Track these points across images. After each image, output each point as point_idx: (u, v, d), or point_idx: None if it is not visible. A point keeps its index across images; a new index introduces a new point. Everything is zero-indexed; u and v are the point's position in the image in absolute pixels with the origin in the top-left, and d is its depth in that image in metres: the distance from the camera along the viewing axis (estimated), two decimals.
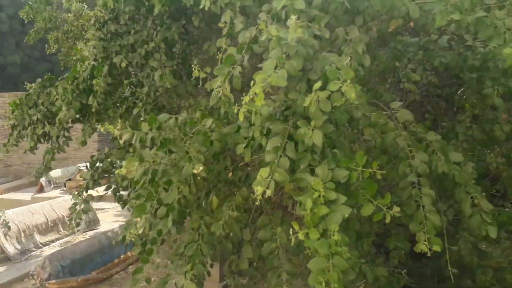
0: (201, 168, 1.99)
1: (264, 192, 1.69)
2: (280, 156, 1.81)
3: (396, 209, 1.81)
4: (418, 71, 3.74)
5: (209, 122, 2.27)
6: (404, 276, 3.16)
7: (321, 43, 2.06)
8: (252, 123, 2.21)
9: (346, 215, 1.65)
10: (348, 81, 1.65)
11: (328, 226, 1.63)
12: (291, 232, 1.64)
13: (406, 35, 3.40)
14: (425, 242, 1.97)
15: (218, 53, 2.29)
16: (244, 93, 2.76)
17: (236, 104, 1.74)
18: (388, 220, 1.81)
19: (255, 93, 1.62)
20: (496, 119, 3.11)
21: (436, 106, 4.35)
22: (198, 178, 2.18)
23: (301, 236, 1.62)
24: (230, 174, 2.46)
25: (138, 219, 1.98)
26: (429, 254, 1.92)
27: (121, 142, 2.06)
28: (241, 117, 1.75)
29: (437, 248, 1.94)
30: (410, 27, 3.92)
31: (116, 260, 5.81)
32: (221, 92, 1.99)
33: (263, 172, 1.76)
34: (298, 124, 1.82)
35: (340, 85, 1.65)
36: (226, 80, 1.99)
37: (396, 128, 2.25)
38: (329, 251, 1.60)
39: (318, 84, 1.66)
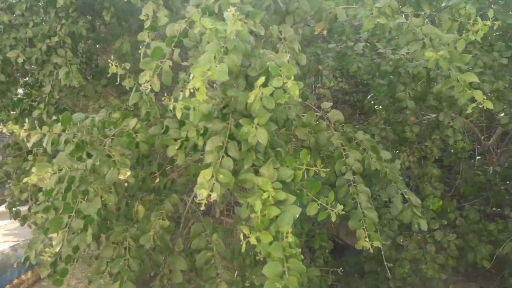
0: (128, 173, 1.76)
1: (209, 196, 1.53)
2: (223, 157, 1.68)
3: (340, 207, 1.79)
4: (330, 77, 3.90)
5: (132, 122, 2.03)
6: (331, 275, 3.22)
7: (256, 40, 1.98)
8: (183, 122, 2.05)
9: (297, 215, 1.58)
10: (292, 77, 1.59)
11: (279, 228, 1.53)
12: (241, 237, 1.50)
13: (325, 41, 3.51)
14: (366, 239, 1.97)
15: (141, 47, 2.09)
16: (166, 92, 2.58)
17: (172, 100, 1.56)
18: (333, 218, 1.78)
19: (196, 88, 1.47)
20: (406, 121, 3.36)
21: (342, 111, 4.59)
22: (123, 185, 1.93)
23: (253, 240, 1.50)
24: (157, 180, 2.24)
25: (54, 234, 1.67)
26: (371, 251, 1.94)
27: (29, 145, 1.73)
28: (178, 114, 1.57)
29: (377, 244, 1.96)
30: (322, 35, 4.08)
31: (8, 286, 5.03)
32: (149, 88, 1.79)
33: (205, 174, 1.61)
34: (240, 122, 1.70)
35: (284, 81, 1.58)
36: (155, 75, 1.79)
37: (329, 128, 2.26)
38: (283, 254, 1.50)
39: (261, 80, 1.57)
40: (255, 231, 1.52)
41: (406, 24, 2.28)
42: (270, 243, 1.50)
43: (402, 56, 3.13)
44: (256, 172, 1.73)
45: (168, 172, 2.54)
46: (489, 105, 2.00)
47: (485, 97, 2.03)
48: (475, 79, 2.04)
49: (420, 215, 2.13)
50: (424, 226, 2.10)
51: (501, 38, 3.42)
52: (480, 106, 2.00)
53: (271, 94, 1.60)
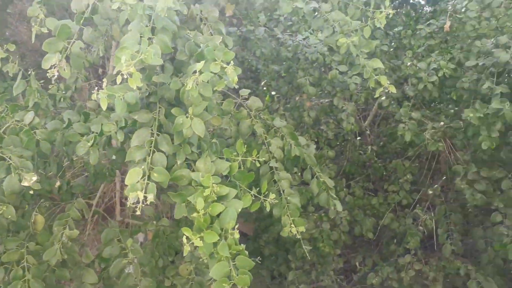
0: (34, 178, 1.43)
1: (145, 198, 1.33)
2: (153, 152, 1.48)
3: (272, 195, 1.75)
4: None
5: (29, 116, 1.66)
6: None
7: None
8: (87, 114, 1.76)
9: (240, 209, 1.48)
10: (232, 62, 1.47)
11: (224, 225, 1.42)
12: (184, 240, 1.35)
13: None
14: (291, 225, 1.98)
15: (34, 24, 1.71)
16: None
17: (96, 89, 1.31)
18: (268, 208, 1.74)
19: (129, 73, 1.25)
20: (302, 107, 3.49)
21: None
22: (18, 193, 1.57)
23: (197, 242, 1.36)
24: (58, 183, 1.89)
25: None
26: (299, 236, 1.95)
27: None
28: (104, 105, 1.32)
29: (302, 228, 1.99)
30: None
31: None
32: (56, 74, 1.47)
33: (135, 173, 1.40)
34: (172, 112, 1.52)
35: (223, 66, 1.45)
36: (63, 57, 1.48)
37: (250, 116, 2.20)
38: (229, 252, 1.40)
39: (200, 65, 1.41)
40: (197, 231, 1.39)
41: (317, 9, 2.32)
42: (214, 243, 1.38)
43: (300, 42, 3.22)
44: (189, 167, 1.58)
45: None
46: (392, 89, 2.17)
47: (388, 82, 2.20)
48: (380, 65, 2.19)
49: (335, 196, 2.22)
50: (339, 207, 2.20)
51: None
52: (386, 90, 2.16)
53: (208, 81, 1.46)
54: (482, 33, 3.00)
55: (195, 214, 1.40)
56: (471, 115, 2.75)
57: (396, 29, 3.60)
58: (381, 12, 2.27)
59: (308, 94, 3.18)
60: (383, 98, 3.52)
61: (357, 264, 4.13)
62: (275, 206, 2.07)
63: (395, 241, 3.97)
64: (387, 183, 4.04)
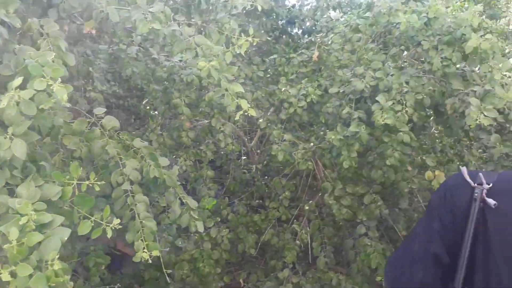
0: None
1: None
2: None
3: (116, 221, 1.68)
4: (102, 81, 3.68)
5: None
6: None
7: (9, 33, 1.65)
8: None
9: (66, 238, 1.39)
10: (59, 79, 1.39)
11: (43, 256, 1.31)
12: None
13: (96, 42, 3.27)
14: (144, 250, 1.92)
15: None
16: None
17: None
18: (109, 234, 1.66)
19: None
20: (182, 127, 3.47)
21: (117, 116, 4.42)
22: None
23: (5, 277, 1.23)
24: None
25: None
26: (150, 261, 1.90)
27: None
28: None
29: (156, 253, 1.94)
30: (91, 35, 3.81)
31: None
32: None
33: None
34: None
35: (49, 83, 1.37)
36: None
37: (103, 136, 2.10)
38: (48, 285, 1.29)
39: (18, 81, 1.31)
40: (8, 264, 1.26)
41: (179, 32, 2.34)
42: (30, 276, 1.27)
43: (176, 63, 3.22)
44: (13, 193, 1.44)
45: None
46: (252, 112, 2.26)
47: (249, 105, 2.28)
48: (240, 89, 2.27)
49: (197, 217, 2.22)
50: (200, 227, 2.20)
51: (258, 53, 3.95)
52: (246, 113, 2.24)
53: (31, 98, 1.36)
54: (344, 63, 3.29)
55: (6, 246, 1.27)
56: (333, 137, 2.98)
57: (272, 56, 3.80)
58: (245, 39, 2.36)
59: (185, 115, 3.17)
60: (261, 120, 3.66)
61: (241, 281, 4.17)
62: (129, 231, 2.00)
63: (276, 256, 4.09)
64: (269, 200, 4.17)
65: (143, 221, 1.99)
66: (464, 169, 1.21)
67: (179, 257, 3.51)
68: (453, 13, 2.73)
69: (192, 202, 2.22)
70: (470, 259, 1.13)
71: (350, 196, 3.37)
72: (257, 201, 4.56)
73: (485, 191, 1.14)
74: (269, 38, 4.12)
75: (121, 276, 4.13)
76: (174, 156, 3.69)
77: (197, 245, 3.54)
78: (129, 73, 3.07)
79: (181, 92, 3.18)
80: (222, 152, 4.16)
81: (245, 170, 4.41)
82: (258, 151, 4.93)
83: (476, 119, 2.15)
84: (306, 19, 4.35)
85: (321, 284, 3.77)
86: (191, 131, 3.42)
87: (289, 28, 4.53)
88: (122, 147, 2.21)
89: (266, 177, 4.54)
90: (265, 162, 4.68)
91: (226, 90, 2.21)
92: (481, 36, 2.39)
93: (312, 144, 3.47)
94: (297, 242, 3.79)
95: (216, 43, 2.46)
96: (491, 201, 1.11)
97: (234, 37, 2.44)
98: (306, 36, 4.44)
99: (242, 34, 2.47)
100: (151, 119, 3.59)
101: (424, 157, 2.72)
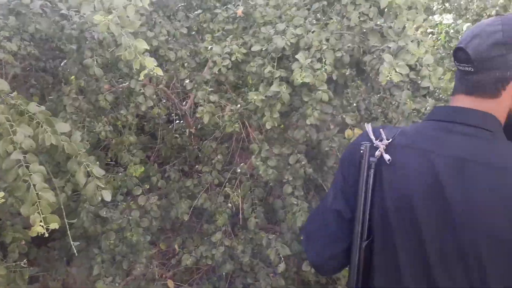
0: None
1: None
2: None
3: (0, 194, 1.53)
4: (14, 40, 3.33)
5: None
6: (28, 267, 2.87)
7: None
8: None
9: None
10: None
11: None
12: None
13: None
14: (41, 223, 1.78)
15: None
16: None
17: None
18: None
19: None
20: (99, 89, 3.24)
21: (41, 80, 4.08)
22: None
23: None
24: None
25: None
26: (46, 235, 1.77)
27: None
28: None
29: (54, 226, 1.81)
30: None
31: None
32: None
33: None
34: None
35: None
36: None
37: None
38: None
39: None
40: None
41: None
42: None
43: (85, 16, 2.93)
44: None
45: None
46: (158, 71, 2.11)
47: (156, 64, 2.13)
48: (145, 45, 2.11)
49: (104, 185, 2.09)
50: (107, 197, 2.09)
51: (183, 8, 3.72)
52: (151, 72, 2.09)
53: None
54: (268, 20, 3.16)
55: None
56: (255, 97, 2.90)
57: (196, 12, 3.58)
58: None
59: (97, 76, 2.94)
60: (187, 81, 3.50)
61: (176, 247, 4.13)
62: (24, 204, 1.84)
63: (210, 220, 4.07)
64: (202, 164, 4.09)
65: (40, 193, 1.84)
66: (368, 126, 1.22)
67: (105, 227, 3.38)
68: None
69: (97, 171, 2.08)
70: (369, 213, 1.16)
71: (276, 157, 3.36)
72: (191, 165, 4.47)
73: (383, 146, 1.15)
74: None
75: (49, 249, 3.96)
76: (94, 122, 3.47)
77: (124, 215, 3.41)
78: (31, 31, 2.78)
79: (94, 51, 2.93)
80: (150, 117, 3.98)
81: (177, 135, 4.27)
82: (195, 114, 4.79)
83: (388, 76, 2.15)
84: None
85: (253, 244, 3.81)
86: (110, 94, 3.21)
87: None
88: (16, 113, 2.00)
89: (201, 141, 4.44)
90: (199, 125, 4.55)
91: (129, 47, 2.03)
92: None
93: (239, 105, 3.38)
94: (229, 205, 3.77)
95: None
96: (386, 156, 1.13)
97: None
98: None
99: None
100: (65, 81, 3.32)
101: (344, 116, 2.72)
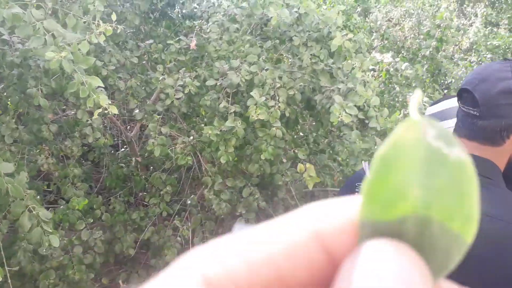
0: None
1: None
2: None
3: None
4: None
5: None
6: None
7: None
8: None
9: None
10: None
11: None
12: None
13: None
14: None
15: None
16: None
17: None
18: None
19: None
20: (42, 119, 3.06)
21: None
22: None
23: None
24: None
25: None
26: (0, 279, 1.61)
27: None
28: None
29: None
30: None
31: None
32: None
33: None
34: None
35: None
36: None
37: None
38: None
39: None
40: None
41: (25, 14, 2.01)
42: None
43: (33, 49, 2.79)
44: None
45: None
46: (114, 110, 2.05)
47: (110, 102, 2.07)
48: (99, 83, 2.04)
49: (51, 230, 1.96)
50: (55, 242, 1.95)
51: (133, 37, 3.66)
52: (105, 111, 2.02)
53: None
54: (222, 54, 3.20)
55: None
56: (210, 132, 2.90)
57: (148, 41, 3.54)
58: (105, 27, 2.12)
59: (42, 106, 2.78)
60: (137, 111, 3.42)
61: (120, 282, 3.93)
62: None
63: (158, 253, 3.93)
64: (149, 195, 3.97)
65: None
66: (365, 164, 1.34)
67: (44, 265, 3.14)
68: (321, 10, 2.82)
69: (44, 213, 1.95)
70: None
71: (229, 190, 3.36)
72: (137, 197, 4.32)
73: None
74: (150, 20, 3.83)
75: None
76: (38, 151, 3.26)
77: (66, 250, 3.20)
78: None
79: (38, 80, 2.78)
80: (96, 146, 3.81)
81: (122, 164, 4.12)
82: (141, 142, 4.66)
83: (338, 116, 2.25)
84: (186, 2, 4.14)
85: None
86: (53, 124, 3.04)
87: (169, 11, 4.27)
88: None
89: (148, 170, 4.31)
90: (146, 154, 4.43)
91: (82, 84, 1.96)
92: (345, 35, 2.49)
93: (192, 137, 3.35)
94: (178, 238, 3.67)
95: (72, 30, 2.17)
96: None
97: (94, 23, 2.18)
98: (187, 21, 4.24)
99: (112, 16, 2.22)
100: (4, 110, 3.10)
101: (296, 151, 2.79)
